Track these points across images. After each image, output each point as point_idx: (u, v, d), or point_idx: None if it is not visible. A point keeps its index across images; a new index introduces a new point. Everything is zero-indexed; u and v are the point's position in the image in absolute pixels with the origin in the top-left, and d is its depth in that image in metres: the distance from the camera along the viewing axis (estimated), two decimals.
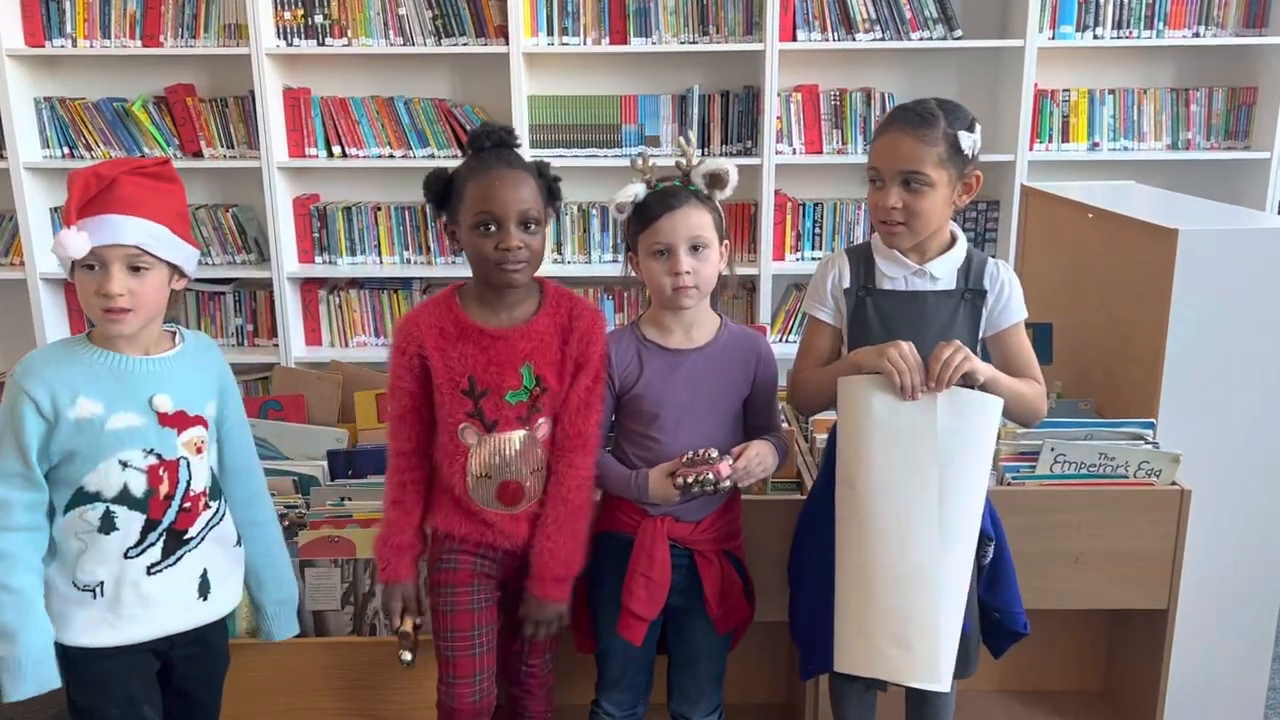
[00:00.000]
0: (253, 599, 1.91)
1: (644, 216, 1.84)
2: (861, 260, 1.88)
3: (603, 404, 1.87)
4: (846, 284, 1.87)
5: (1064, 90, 3.85)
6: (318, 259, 3.95)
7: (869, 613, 1.77)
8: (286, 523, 2.17)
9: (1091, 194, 2.75)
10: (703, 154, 3.77)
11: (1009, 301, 1.84)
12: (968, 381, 1.73)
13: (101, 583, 1.65)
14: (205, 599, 1.74)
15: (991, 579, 1.88)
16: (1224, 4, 3.73)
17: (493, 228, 1.75)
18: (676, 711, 2.00)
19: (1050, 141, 3.87)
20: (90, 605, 1.65)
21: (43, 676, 1.62)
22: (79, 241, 1.57)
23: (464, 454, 1.81)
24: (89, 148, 3.84)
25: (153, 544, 1.67)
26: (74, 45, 3.74)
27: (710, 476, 1.78)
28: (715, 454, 1.80)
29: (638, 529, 1.89)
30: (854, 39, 3.71)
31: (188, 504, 1.69)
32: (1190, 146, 3.87)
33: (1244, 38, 3.74)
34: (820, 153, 3.85)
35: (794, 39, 3.70)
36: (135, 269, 1.61)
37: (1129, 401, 2.31)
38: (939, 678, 1.75)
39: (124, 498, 1.64)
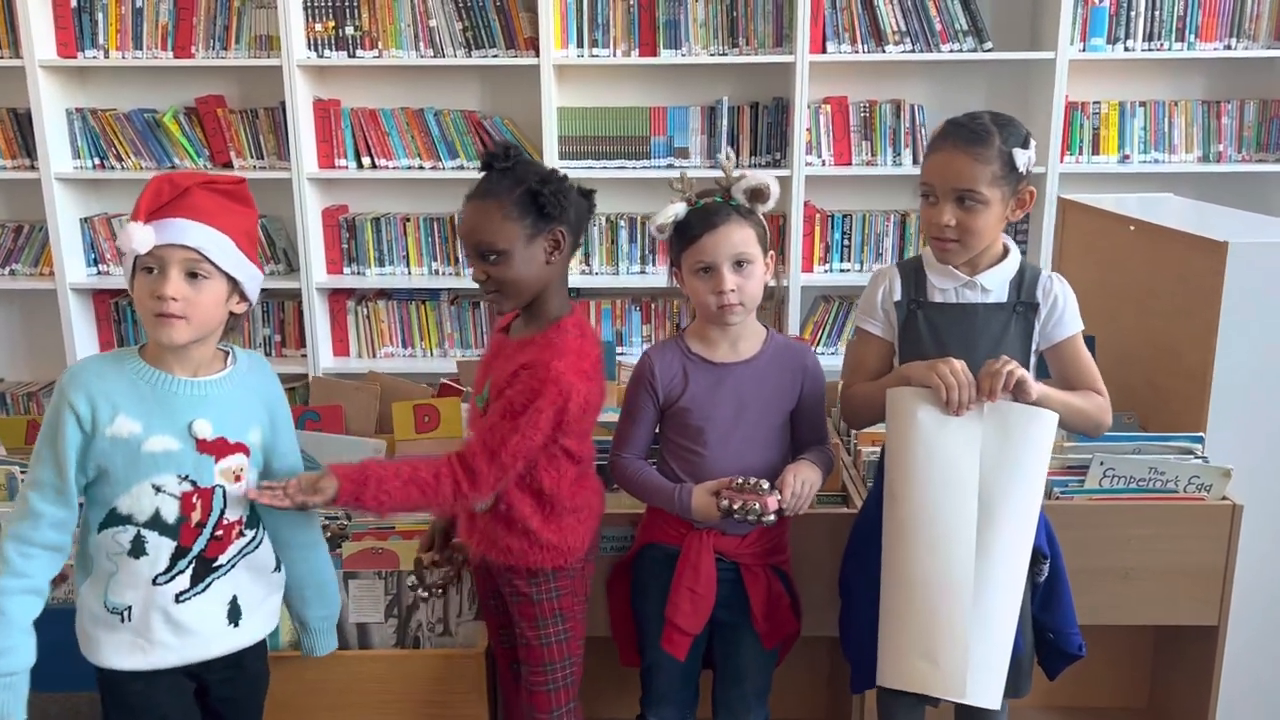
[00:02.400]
0: (297, 616, 1.89)
1: (686, 235, 1.83)
2: (912, 273, 1.87)
3: (527, 448, 1.71)
4: (897, 296, 1.86)
5: (1094, 102, 3.84)
6: (346, 270, 3.95)
7: (902, 625, 1.76)
8: (329, 534, 2.16)
9: (1127, 206, 2.74)
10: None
11: (1063, 314, 1.82)
12: (1019, 397, 1.71)
13: (130, 607, 1.62)
14: (236, 625, 1.70)
15: (1046, 598, 1.86)
16: (1255, 16, 3.72)
17: (471, 257, 1.78)
18: None
19: (1080, 154, 3.85)
20: (119, 629, 1.62)
21: (1, 703, 1.56)
22: (144, 234, 1.55)
23: None
24: (119, 158, 3.85)
25: (181, 571, 1.63)
26: (106, 56, 3.76)
27: (756, 507, 1.76)
28: (766, 485, 1.77)
29: (683, 542, 1.88)
30: (884, 51, 3.70)
31: (219, 532, 1.65)
32: (1222, 159, 3.86)
33: (1276, 50, 3.72)
34: (849, 164, 3.84)
35: (824, 51, 3.70)
36: (193, 275, 1.58)
37: (1174, 415, 2.30)
38: (966, 692, 1.73)
39: (155, 523, 1.60)
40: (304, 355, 3.96)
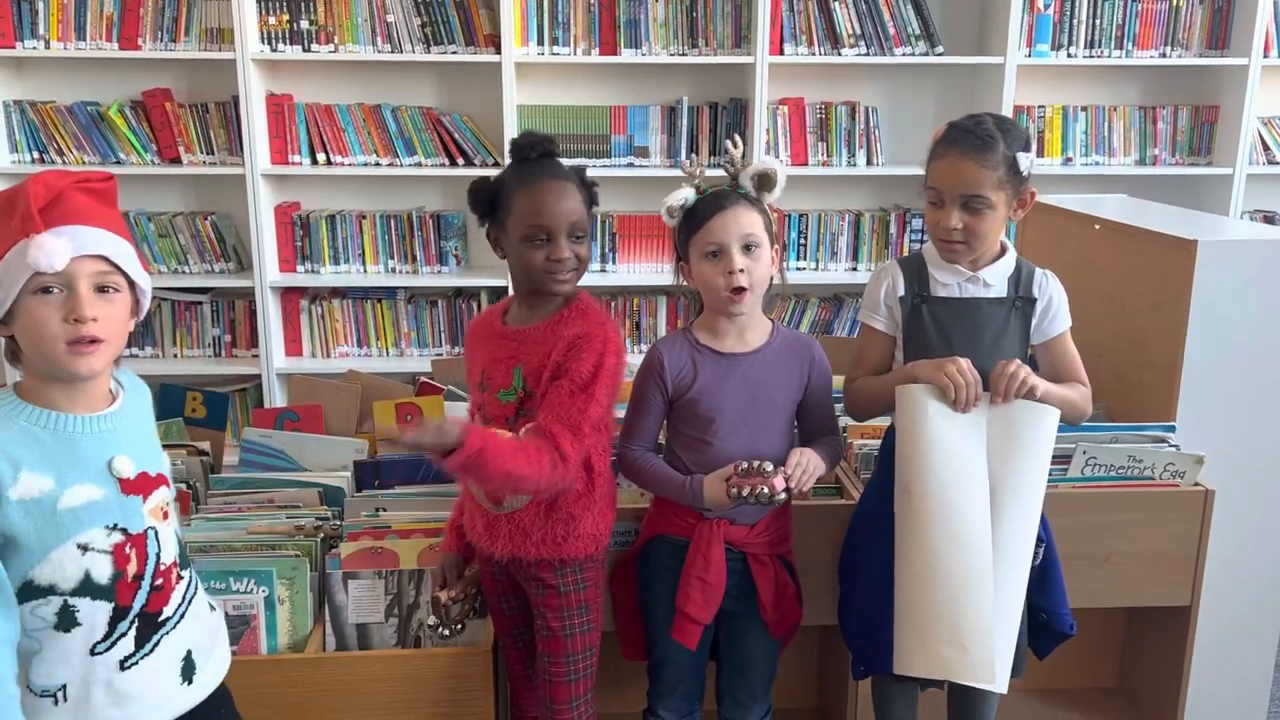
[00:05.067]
0: None
1: (694, 220, 1.86)
2: (915, 269, 1.92)
3: (600, 414, 1.76)
4: (901, 292, 1.91)
5: (1039, 106, 3.97)
6: (299, 268, 3.88)
7: (926, 615, 1.80)
8: (321, 535, 2.13)
9: (1085, 206, 2.83)
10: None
11: (1057, 310, 1.90)
12: (1025, 395, 1.78)
13: (64, 686, 1.39)
14: (190, 683, 1.50)
15: (1041, 580, 1.93)
16: (1188, 26, 3.90)
17: (543, 239, 1.76)
18: (728, 717, 2.00)
19: None
20: (51, 712, 1.38)
21: None
22: (60, 245, 1.32)
23: None
24: (61, 153, 3.72)
25: (124, 634, 1.41)
26: (47, 47, 3.63)
27: (765, 490, 1.78)
28: (770, 467, 1.80)
29: (692, 532, 1.90)
30: (839, 53, 3.78)
31: (159, 580, 1.45)
32: (1157, 162, 4.03)
33: (1206, 58, 3.91)
34: (806, 165, 3.91)
35: (781, 52, 3.76)
36: (102, 289, 1.38)
37: (1143, 406, 2.39)
38: (994, 676, 1.79)
39: (85, 588, 1.38)
40: (255, 356, 3.87)
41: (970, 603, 1.75)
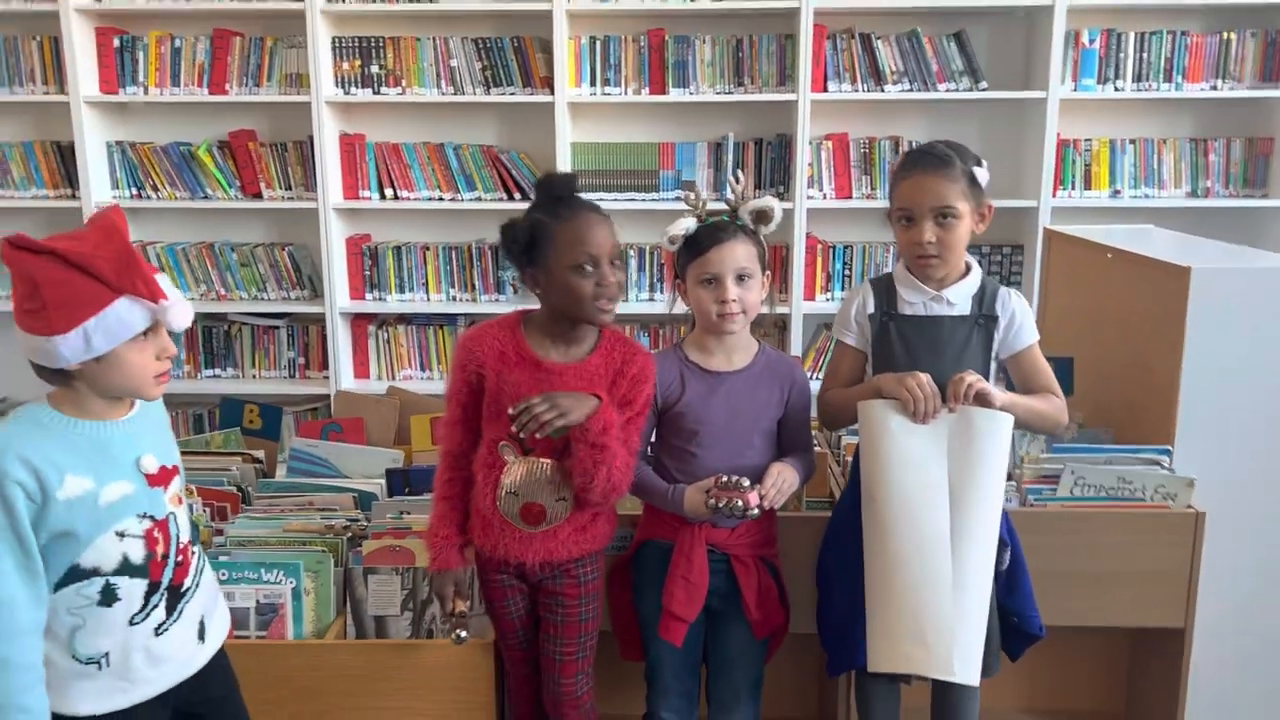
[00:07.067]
0: None
1: (694, 248, 2.01)
2: (884, 289, 2.05)
3: (639, 434, 1.98)
4: (870, 310, 2.04)
5: (1086, 140, 4.00)
6: (368, 295, 4.14)
7: (891, 614, 1.91)
8: (349, 534, 2.32)
9: (1110, 237, 2.88)
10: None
11: (1021, 326, 2.00)
12: (984, 404, 1.87)
13: (107, 653, 1.61)
14: (204, 641, 1.75)
15: (1009, 583, 2.02)
16: (1240, 59, 3.88)
17: (590, 268, 1.86)
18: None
19: (1073, 188, 4.01)
20: (95, 676, 1.61)
21: None
22: (189, 307, 1.62)
23: (499, 468, 1.93)
24: (155, 189, 4.06)
25: (156, 605, 1.65)
26: (145, 93, 3.98)
27: (739, 504, 1.91)
28: (746, 483, 1.93)
29: (677, 536, 2.03)
30: (883, 90, 3.88)
31: (180, 557, 1.68)
32: (1209, 194, 4.00)
33: (1260, 90, 3.88)
34: (850, 198, 4.01)
35: (825, 90, 3.88)
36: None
37: (1147, 432, 2.43)
38: (955, 671, 1.87)
39: (124, 568, 1.61)
40: (326, 377, 4.13)
41: (930, 602, 1.85)
